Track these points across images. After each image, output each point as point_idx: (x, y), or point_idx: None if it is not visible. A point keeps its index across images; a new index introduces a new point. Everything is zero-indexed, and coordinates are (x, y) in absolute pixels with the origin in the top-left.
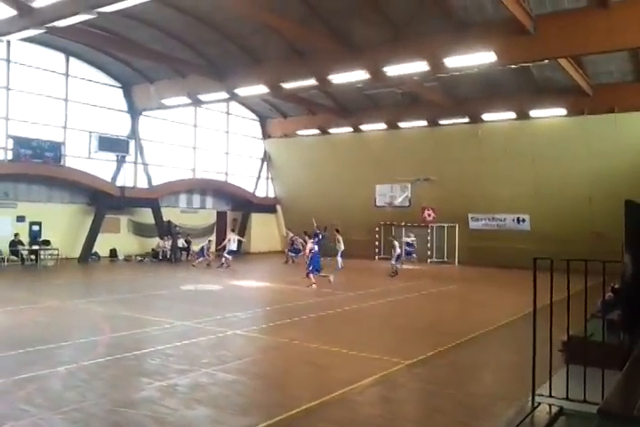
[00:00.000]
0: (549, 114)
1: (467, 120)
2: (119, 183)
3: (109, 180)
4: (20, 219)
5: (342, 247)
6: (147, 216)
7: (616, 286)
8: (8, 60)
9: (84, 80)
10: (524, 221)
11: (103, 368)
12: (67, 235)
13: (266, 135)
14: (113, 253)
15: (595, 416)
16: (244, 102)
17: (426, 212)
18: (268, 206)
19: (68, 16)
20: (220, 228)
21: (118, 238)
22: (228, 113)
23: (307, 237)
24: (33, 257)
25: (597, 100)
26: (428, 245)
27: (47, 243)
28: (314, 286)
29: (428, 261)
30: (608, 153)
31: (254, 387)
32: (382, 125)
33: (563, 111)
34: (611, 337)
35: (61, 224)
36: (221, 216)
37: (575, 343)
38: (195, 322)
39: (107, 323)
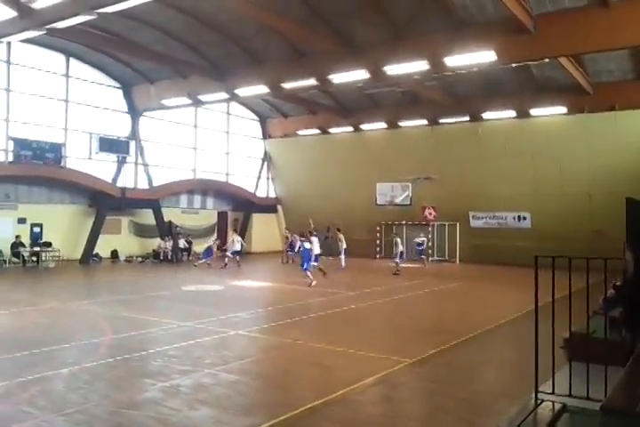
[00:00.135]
0: (550, 112)
1: (467, 119)
2: (120, 184)
3: (110, 181)
4: (22, 221)
5: (344, 246)
6: (148, 217)
7: (617, 284)
8: (8, 62)
9: (85, 81)
10: (524, 218)
11: (106, 370)
12: (68, 236)
13: (266, 135)
14: (114, 254)
15: (598, 413)
16: (245, 102)
17: (426, 211)
18: (268, 206)
19: (69, 17)
20: (221, 228)
21: (119, 239)
22: (228, 113)
23: (300, 237)
24: (34, 259)
25: (598, 98)
26: (430, 243)
27: (48, 244)
28: (313, 282)
29: (430, 259)
30: (608, 151)
31: (257, 387)
32: (383, 125)
33: (563, 110)
34: (613, 334)
35: (62, 226)
36: (222, 216)
37: (577, 340)
38: (196, 323)
39: (108, 324)
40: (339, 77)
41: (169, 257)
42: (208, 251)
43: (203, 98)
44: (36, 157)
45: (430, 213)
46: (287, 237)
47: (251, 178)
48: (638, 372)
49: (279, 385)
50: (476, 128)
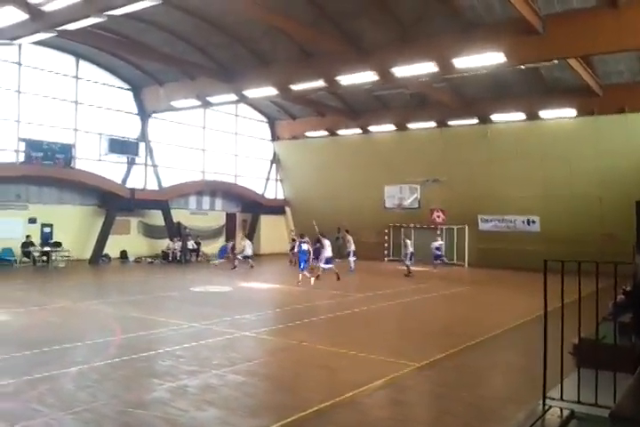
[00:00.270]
0: (559, 114)
1: (476, 121)
2: (129, 185)
3: (119, 182)
4: (32, 221)
5: (353, 248)
6: (157, 218)
7: (628, 289)
8: (19, 64)
9: (94, 82)
10: (534, 222)
11: (114, 369)
12: (77, 236)
13: (275, 137)
14: (123, 254)
15: (606, 420)
16: (253, 104)
17: (435, 213)
18: (276, 208)
19: (79, 19)
20: (230, 229)
21: (128, 240)
22: (236, 115)
23: (299, 238)
24: (44, 258)
25: (607, 100)
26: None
27: (58, 244)
28: (312, 280)
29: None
30: (618, 153)
31: (264, 389)
32: (391, 127)
33: (572, 112)
34: (622, 340)
35: (72, 226)
36: (231, 218)
37: (586, 346)
38: (204, 323)
39: (117, 324)
40: (347, 79)
41: (177, 258)
42: (222, 250)
43: (211, 99)
44: (47, 158)
45: (439, 216)
46: (294, 239)
47: (259, 179)
48: None
49: (286, 387)
50: (485, 130)
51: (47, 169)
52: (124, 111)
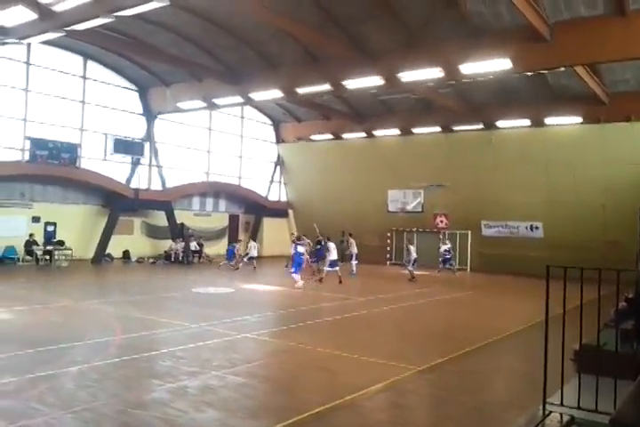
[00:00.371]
0: (565, 122)
1: (481, 126)
2: (133, 185)
3: (124, 182)
4: (36, 219)
5: (355, 251)
6: (160, 218)
7: (630, 296)
8: (28, 63)
9: (101, 83)
10: (537, 228)
11: (115, 369)
12: (81, 236)
13: (279, 139)
14: (126, 254)
15: (607, 426)
16: (259, 106)
17: (438, 218)
18: (279, 210)
19: (88, 19)
20: (233, 231)
21: (131, 240)
22: (242, 117)
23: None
24: (47, 257)
25: (614, 108)
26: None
27: (61, 243)
28: (300, 282)
29: (440, 267)
30: (623, 161)
31: (264, 390)
32: (396, 131)
33: (578, 119)
34: (624, 347)
35: (76, 225)
36: (234, 219)
37: (587, 352)
38: (206, 324)
39: (119, 324)
40: (353, 83)
41: (180, 259)
42: (229, 252)
43: (217, 101)
44: (52, 157)
45: (442, 221)
46: (294, 242)
47: (263, 182)
48: None
49: (286, 389)
50: (490, 136)
51: (52, 168)
52: (130, 112)
